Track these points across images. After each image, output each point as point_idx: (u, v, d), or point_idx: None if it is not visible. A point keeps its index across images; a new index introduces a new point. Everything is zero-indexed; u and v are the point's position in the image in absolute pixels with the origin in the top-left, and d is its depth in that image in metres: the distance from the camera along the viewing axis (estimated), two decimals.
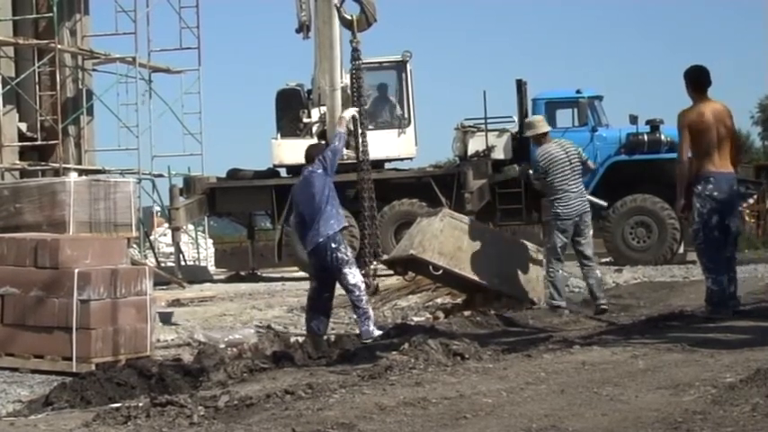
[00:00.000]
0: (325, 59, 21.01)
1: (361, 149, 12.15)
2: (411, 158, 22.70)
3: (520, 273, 12.05)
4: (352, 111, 11.57)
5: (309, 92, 22.21)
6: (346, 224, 10.25)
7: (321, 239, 9.88)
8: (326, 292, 10.18)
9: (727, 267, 9.87)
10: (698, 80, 9.76)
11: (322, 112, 21.68)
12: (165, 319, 12.18)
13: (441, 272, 11.86)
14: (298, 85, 22.48)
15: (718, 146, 9.70)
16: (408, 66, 22.29)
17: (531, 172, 12.32)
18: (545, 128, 12.09)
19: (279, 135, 21.86)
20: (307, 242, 10.13)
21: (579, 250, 11.79)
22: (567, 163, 11.65)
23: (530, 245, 12.62)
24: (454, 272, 11.83)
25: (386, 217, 21.08)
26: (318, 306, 10.12)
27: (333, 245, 9.87)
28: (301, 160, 10.62)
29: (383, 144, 21.36)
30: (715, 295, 9.75)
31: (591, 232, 11.93)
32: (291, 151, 20.94)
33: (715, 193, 9.68)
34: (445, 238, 11.82)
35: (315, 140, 21.17)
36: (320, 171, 9.94)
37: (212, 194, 22.59)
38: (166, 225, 25.73)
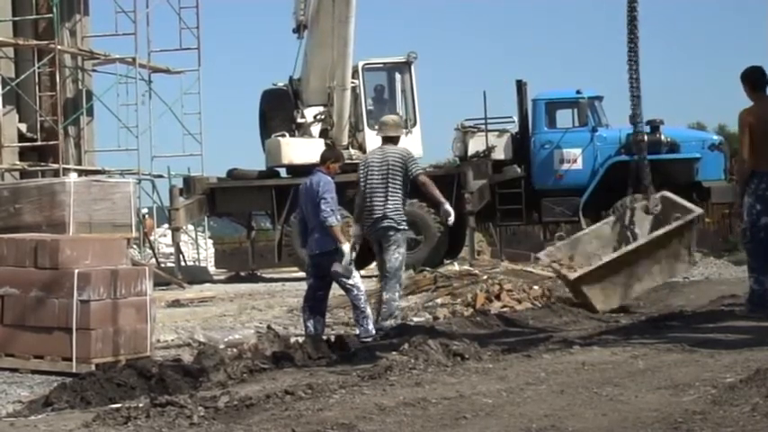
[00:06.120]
0: (339, 59, 20.98)
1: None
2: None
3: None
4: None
5: (295, 92, 22.14)
6: None
7: (320, 251, 10.01)
8: (322, 290, 10.24)
9: None
10: (755, 80, 9.80)
11: (316, 112, 21.70)
12: None
13: None
14: (285, 85, 22.44)
15: None
16: (413, 67, 22.30)
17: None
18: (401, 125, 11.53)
19: (285, 134, 21.80)
20: (308, 246, 10.24)
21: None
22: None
23: None
24: None
25: None
26: (314, 306, 10.16)
27: (333, 251, 9.96)
28: (307, 160, 10.62)
29: None
30: (755, 295, 9.70)
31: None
32: (300, 150, 20.93)
33: None
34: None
35: (316, 140, 21.23)
36: (328, 179, 10.01)
37: (212, 195, 22.56)
38: (165, 226, 25.70)
